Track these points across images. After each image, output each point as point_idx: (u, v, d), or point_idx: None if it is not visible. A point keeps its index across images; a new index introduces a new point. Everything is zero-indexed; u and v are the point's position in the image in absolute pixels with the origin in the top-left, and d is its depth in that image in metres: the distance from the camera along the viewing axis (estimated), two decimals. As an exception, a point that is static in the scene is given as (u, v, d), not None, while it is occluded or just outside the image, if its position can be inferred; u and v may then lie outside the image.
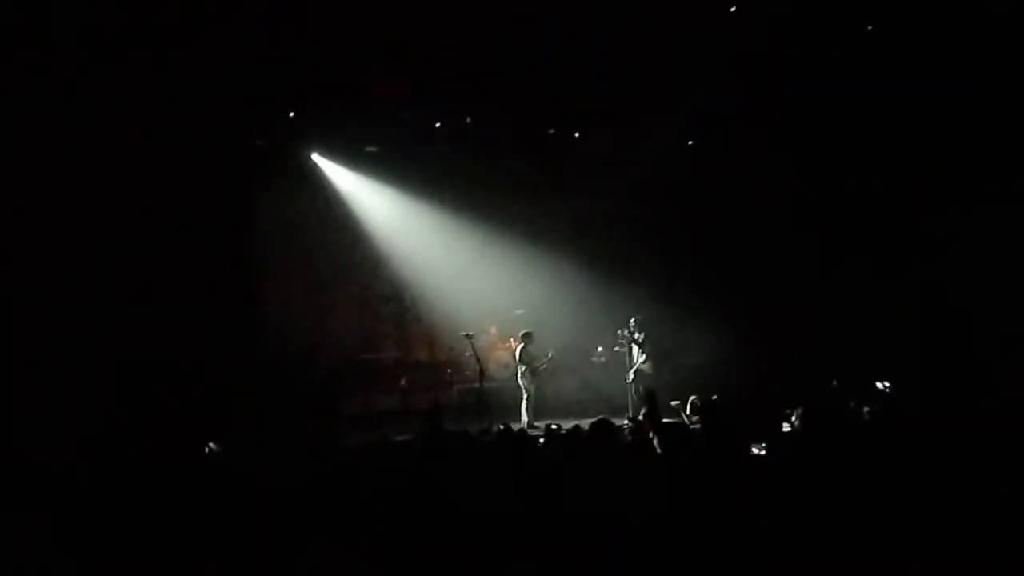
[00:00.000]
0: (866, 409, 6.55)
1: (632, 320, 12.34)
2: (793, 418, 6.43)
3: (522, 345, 12.52)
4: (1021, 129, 10.45)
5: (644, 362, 12.13)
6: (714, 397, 8.29)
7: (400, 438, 7.57)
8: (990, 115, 10.67)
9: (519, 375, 12.39)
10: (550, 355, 12.59)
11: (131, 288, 10.66)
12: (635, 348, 12.27)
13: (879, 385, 8.52)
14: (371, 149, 13.93)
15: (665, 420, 7.55)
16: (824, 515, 3.87)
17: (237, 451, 5.53)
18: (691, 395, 8.64)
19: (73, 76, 9.81)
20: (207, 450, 5.49)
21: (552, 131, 14.06)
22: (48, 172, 10.07)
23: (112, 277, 10.52)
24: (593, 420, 5.45)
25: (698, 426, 7.31)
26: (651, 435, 6.31)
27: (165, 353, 10.49)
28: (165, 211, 11.06)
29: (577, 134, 14.20)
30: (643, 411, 10.61)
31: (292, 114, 12.44)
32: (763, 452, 5.22)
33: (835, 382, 9.76)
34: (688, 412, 8.47)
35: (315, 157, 13.82)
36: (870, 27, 11.27)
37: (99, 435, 6.01)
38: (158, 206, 10.97)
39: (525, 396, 12.26)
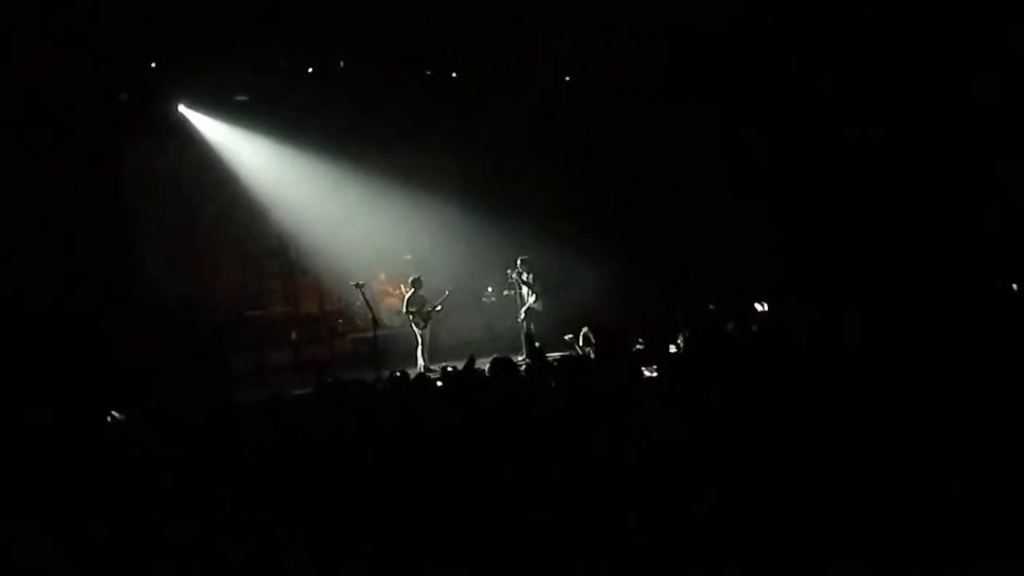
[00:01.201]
0: (750, 328, 6.91)
1: (519, 260, 12.49)
2: (679, 340, 6.75)
3: (412, 291, 12.51)
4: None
5: (535, 301, 12.34)
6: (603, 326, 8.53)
7: (296, 392, 7.51)
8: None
9: (411, 321, 12.40)
10: (447, 292, 12.61)
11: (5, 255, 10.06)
12: (524, 288, 12.46)
13: (757, 306, 8.98)
14: (241, 98, 13.39)
15: (560, 354, 7.78)
16: (710, 434, 4.04)
17: (139, 419, 5.37)
18: (582, 327, 8.86)
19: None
20: (109, 419, 5.30)
21: (429, 73, 13.87)
22: None
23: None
24: (491, 358, 5.55)
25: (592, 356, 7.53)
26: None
27: (45, 321, 9.96)
28: (28, 171, 10.40)
29: (455, 75, 14.06)
30: (536, 345, 10.93)
31: (154, 64, 11.83)
32: (654, 374, 5.47)
33: (712, 305, 10.20)
34: (581, 344, 8.69)
35: (183, 108, 13.19)
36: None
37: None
38: (20, 164, 10.31)
39: (420, 341, 12.31)
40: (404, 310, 12.52)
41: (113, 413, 5.39)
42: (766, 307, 8.95)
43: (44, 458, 4.09)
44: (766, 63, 12.32)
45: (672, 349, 6.72)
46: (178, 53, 11.67)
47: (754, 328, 7.15)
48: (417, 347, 12.27)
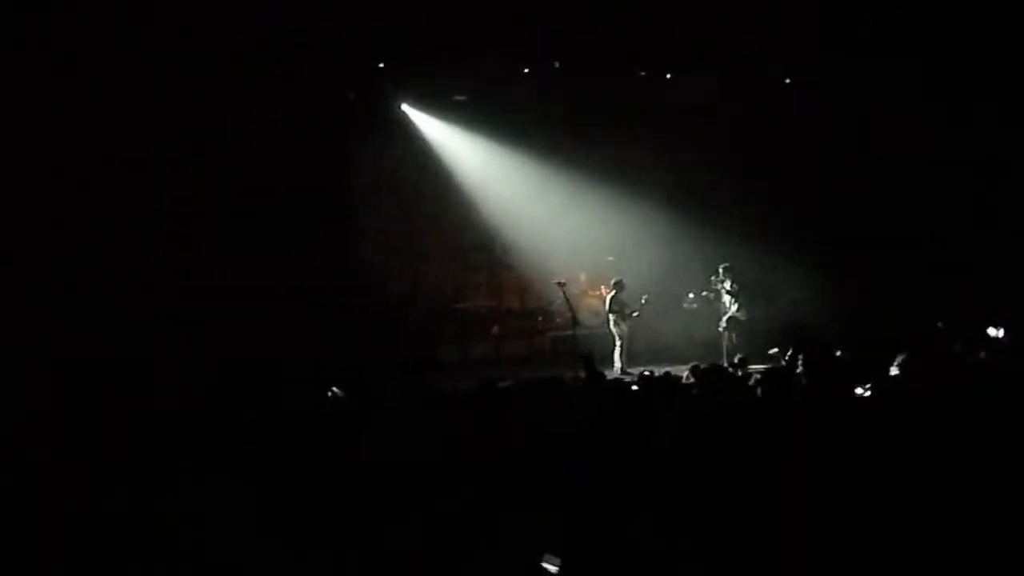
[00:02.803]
0: (981, 354, 6.32)
1: (722, 267, 12.18)
2: (898, 361, 6.27)
3: (613, 293, 12.53)
4: None
5: (738, 310, 11.98)
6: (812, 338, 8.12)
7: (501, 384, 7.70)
8: None
9: (611, 322, 12.40)
10: (644, 299, 12.52)
11: (238, 248, 10.97)
12: (727, 296, 12.12)
13: (991, 331, 8.18)
14: (459, 98, 13.93)
15: (764, 366, 7.49)
16: (930, 460, 3.76)
17: (359, 397, 5.74)
18: (788, 338, 8.48)
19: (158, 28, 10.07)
20: (330, 394, 5.70)
21: (643, 74, 13.78)
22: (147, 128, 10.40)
23: (220, 240, 10.85)
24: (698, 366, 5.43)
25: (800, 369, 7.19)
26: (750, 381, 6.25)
27: (269, 306, 10.79)
28: (264, 169, 11.28)
29: (669, 76, 13.87)
30: (738, 357, 10.60)
31: (381, 64, 12.52)
32: (867, 394, 5.12)
33: (940, 324, 9.42)
34: (786, 357, 8.33)
35: (405, 107, 13.90)
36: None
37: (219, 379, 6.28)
38: (255, 164, 11.20)
39: (618, 343, 12.28)
40: (607, 310, 12.55)
41: (334, 389, 5.78)
42: (1002, 333, 8.13)
43: (274, 432, 4.43)
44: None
45: (893, 372, 6.26)
46: (403, 54, 12.28)
47: (983, 355, 6.51)
48: (614, 349, 12.25)
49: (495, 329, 14.55)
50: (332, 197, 12.42)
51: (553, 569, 3.20)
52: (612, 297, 12.49)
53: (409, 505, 3.71)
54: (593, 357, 7.02)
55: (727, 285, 12.11)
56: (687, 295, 14.34)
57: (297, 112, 11.50)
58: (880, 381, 5.16)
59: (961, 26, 11.38)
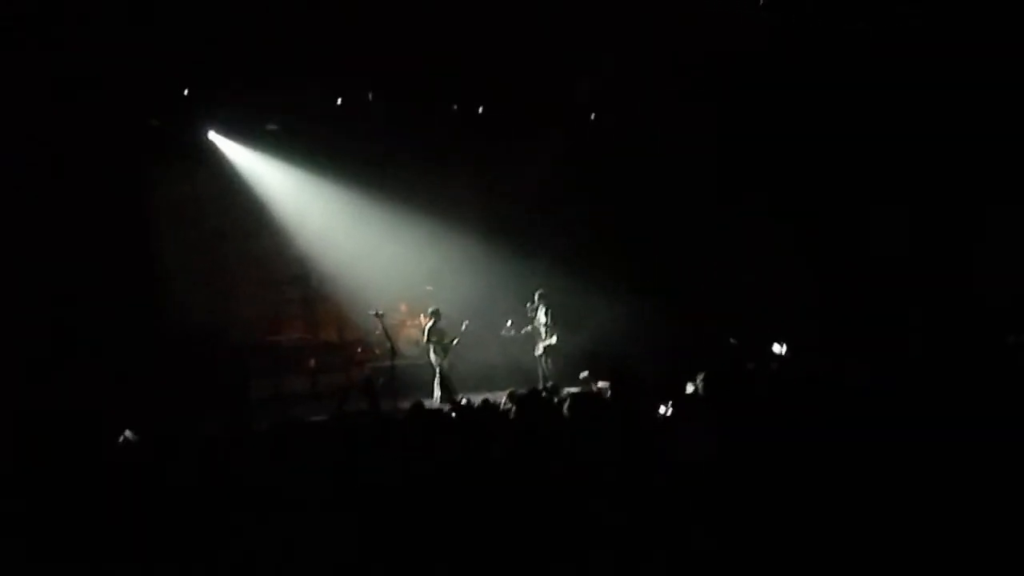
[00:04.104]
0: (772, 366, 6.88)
1: (536, 294, 12.54)
2: (697, 380, 6.70)
3: (431, 322, 12.57)
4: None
5: (553, 337, 12.34)
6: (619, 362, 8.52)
7: (314, 419, 7.53)
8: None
9: (430, 352, 12.44)
10: (464, 326, 12.64)
11: (26, 276, 10.20)
12: (542, 321, 12.47)
13: (776, 347, 8.93)
14: (271, 127, 13.62)
15: (576, 390, 7.77)
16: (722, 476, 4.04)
17: (152, 440, 5.40)
18: (598, 363, 8.86)
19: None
20: (122, 439, 5.34)
21: (455, 107, 14.03)
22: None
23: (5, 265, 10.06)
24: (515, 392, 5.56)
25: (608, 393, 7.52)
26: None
27: (65, 343, 10.09)
28: (56, 195, 10.60)
29: (481, 109, 14.20)
30: (550, 383, 10.93)
31: (187, 91, 12.06)
32: (669, 413, 5.44)
33: (732, 340, 10.13)
34: (596, 382, 8.69)
35: (212, 136, 13.42)
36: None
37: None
38: (48, 189, 10.51)
39: (438, 372, 12.32)
40: (424, 340, 12.57)
41: (126, 433, 5.43)
42: (784, 349, 8.89)
43: (50, 469, 4.13)
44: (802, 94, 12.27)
45: (689, 388, 6.68)
46: (210, 81, 11.87)
47: (773, 367, 7.11)
48: (435, 378, 12.29)
49: (312, 362, 14.21)
50: (129, 225, 11.82)
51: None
52: (431, 326, 12.54)
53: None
54: (374, 384, 6.99)
55: (541, 312, 12.46)
56: (506, 323, 14.64)
57: (93, 138, 10.88)
58: (681, 399, 5.50)
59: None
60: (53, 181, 10.63)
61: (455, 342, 12.51)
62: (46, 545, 3.60)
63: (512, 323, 14.03)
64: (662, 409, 5.53)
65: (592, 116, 14.54)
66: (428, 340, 12.46)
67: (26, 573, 3.42)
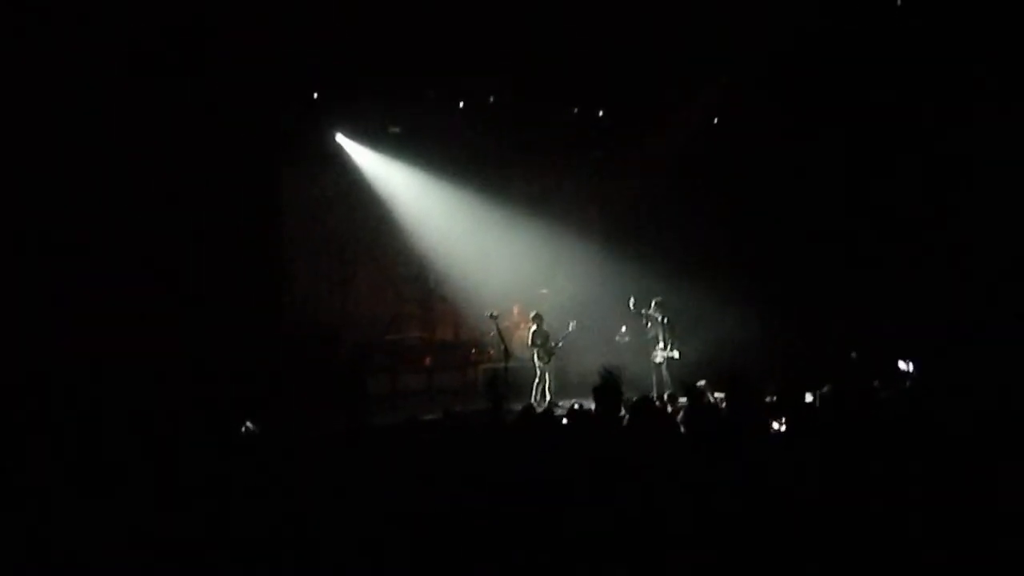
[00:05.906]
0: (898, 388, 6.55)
1: (653, 301, 12.32)
2: (815, 396, 6.47)
3: (534, 327, 12.57)
4: None
5: (672, 347, 12.08)
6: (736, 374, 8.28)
7: (427, 417, 7.67)
8: None
9: (535, 356, 12.45)
10: (572, 325, 12.58)
11: (158, 274, 10.75)
12: (660, 328, 12.25)
13: (902, 364, 8.48)
14: (395, 130, 13.96)
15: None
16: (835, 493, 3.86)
17: (272, 431, 5.62)
18: (716, 373, 8.65)
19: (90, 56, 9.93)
20: (243, 429, 5.57)
21: (576, 110, 14.02)
22: (75, 159, 10.20)
23: (139, 264, 10.62)
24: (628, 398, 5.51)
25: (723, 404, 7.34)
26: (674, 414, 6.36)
27: (193, 337, 10.57)
28: (190, 194, 11.12)
29: (601, 112, 14.14)
30: (667, 393, 10.77)
31: (316, 95, 12.50)
32: (783, 428, 5.27)
33: (854, 355, 9.68)
34: (712, 392, 8.48)
35: (339, 138, 13.87)
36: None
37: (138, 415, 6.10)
38: (183, 189, 11.04)
39: (540, 376, 12.31)
40: (529, 344, 12.59)
41: (247, 424, 5.65)
42: (911, 367, 8.43)
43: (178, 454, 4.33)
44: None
45: (808, 399, 6.46)
46: (339, 84, 12.27)
47: (901, 387, 6.76)
48: (534, 380, 12.29)
49: (427, 360, 14.48)
50: (260, 224, 12.28)
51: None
52: (535, 330, 12.54)
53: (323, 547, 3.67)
54: (498, 384, 7.01)
55: (659, 321, 12.23)
56: (620, 329, 14.49)
57: (228, 139, 11.39)
58: (796, 415, 5.30)
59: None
60: (191, 183, 11.09)
61: (559, 345, 12.45)
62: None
63: (626, 330, 13.89)
64: (775, 425, 5.36)
65: (715, 121, 14.25)
66: (534, 342, 12.46)
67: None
